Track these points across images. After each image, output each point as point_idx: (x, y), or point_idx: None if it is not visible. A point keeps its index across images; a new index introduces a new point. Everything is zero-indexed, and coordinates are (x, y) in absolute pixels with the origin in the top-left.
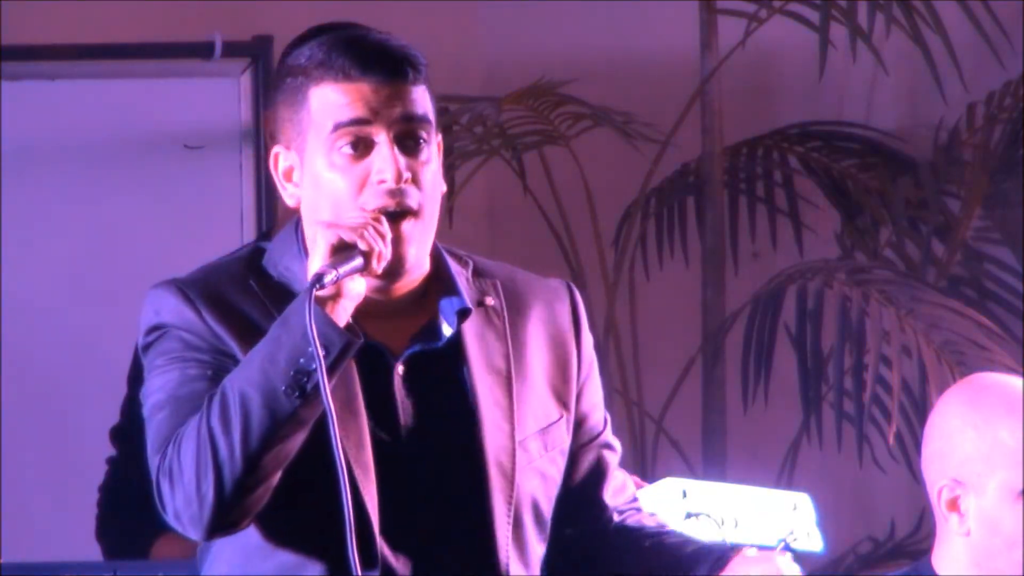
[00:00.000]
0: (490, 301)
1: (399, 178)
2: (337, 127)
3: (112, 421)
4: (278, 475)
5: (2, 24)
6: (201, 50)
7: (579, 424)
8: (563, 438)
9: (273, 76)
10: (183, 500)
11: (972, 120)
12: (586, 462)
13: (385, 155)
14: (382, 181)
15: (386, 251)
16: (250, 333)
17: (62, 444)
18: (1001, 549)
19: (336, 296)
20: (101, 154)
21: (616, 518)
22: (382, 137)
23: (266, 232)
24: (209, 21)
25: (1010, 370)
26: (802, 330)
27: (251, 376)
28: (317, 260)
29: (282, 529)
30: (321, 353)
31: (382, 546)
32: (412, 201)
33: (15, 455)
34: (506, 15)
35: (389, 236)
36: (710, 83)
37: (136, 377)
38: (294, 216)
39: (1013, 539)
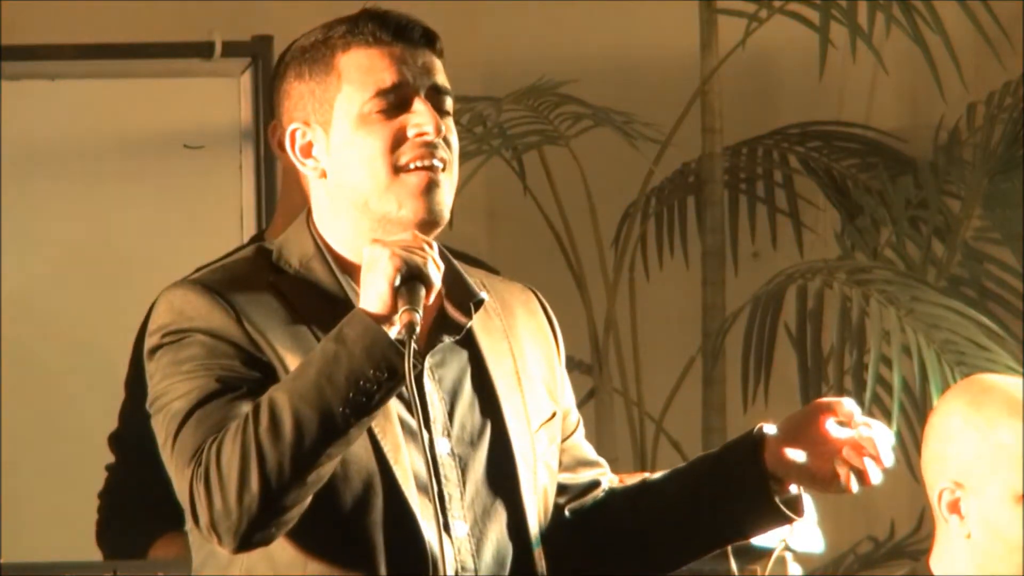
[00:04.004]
0: (485, 296)
1: (439, 130)
2: (379, 92)
3: (112, 420)
4: (311, 495)
5: (2, 24)
6: (201, 50)
7: (565, 416)
8: (558, 432)
9: (276, 73)
10: (222, 510)
11: (972, 120)
12: (575, 451)
13: (423, 110)
14: (421, 134)
15: (438, 283)
16: (286, 335)
17: (62, 444)
18: (1002, 552)
19: (391, 322)
20: (101, 154)
21: (607, 491)
22: (418, 97)
23: (259, 234)
24: (209, 21)
25: (1010, 370)
26: (802, 330)
27: (305, 392)
28: (383, 287)
29: (321, 541)
30: (383, 376)
31: (430, 547)
32: (445, 155)
33: (15, 455)
34: (506, 15)
35: (442, 267)
36: (710, 83)
37: (135, 382)
38: (296, 214)
39: (1014, 542)
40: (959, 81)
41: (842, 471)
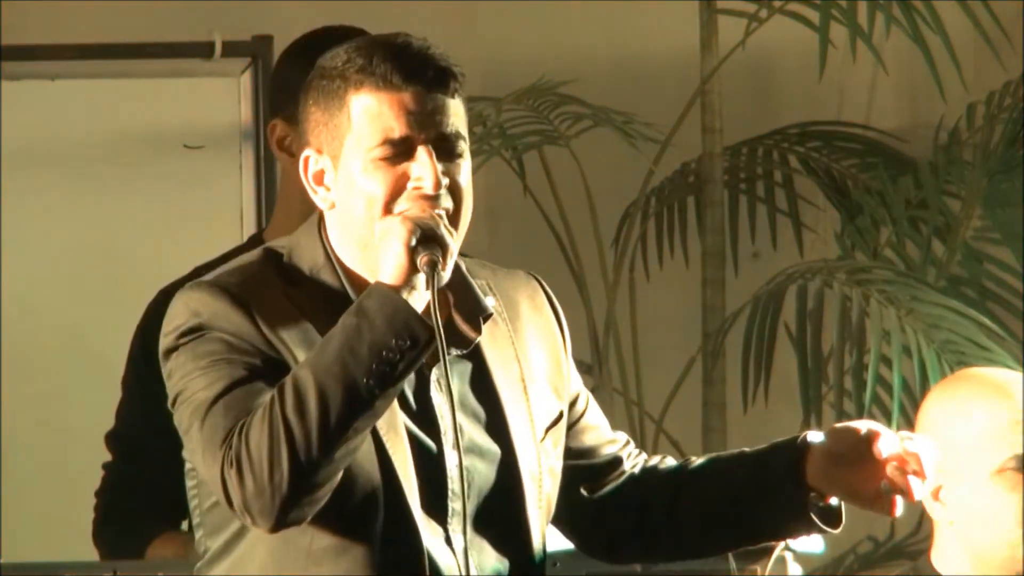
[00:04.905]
0: (491, 303)
1: (437, 186)
2: (385, 141)
3: (112, 420)
4: (341, 471)
5: (2, 24)
6: (201, 50)
7: (573, 403)
8: (563, 432)
9: (276, 72)
10: (254, 490)
11: (972, 120)
12: (588, 434)
13: (424, 162)
14: (418, 187)
15: (454, 246)
16: (303, 341)
17: (62, 444)
18: (983, 532)
19: (410, 288)
20: (101, 154)
21: (635, 468)
22: (422, 145)
23: (257, 234)
24: (209, 21)
25: (1010, 370)
26: (802, 330)
27: (328, 366)
28: (399, 249)
29: (324, 548)
30: (406, 345)
31: (428, 556)
32: (447, 204)
33: (15, 455)
34: (506, 15)
35: (455, 233)
36: (710, 83)
37: (132, 380)
38: (295, 214)
39: (991, 520)
40: (959, 81)
41: (886, 493)
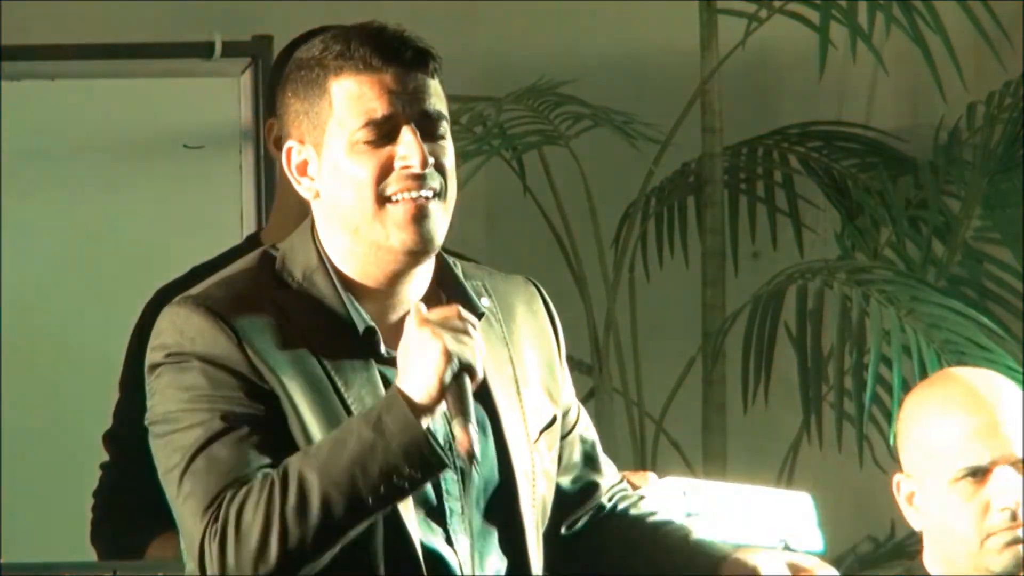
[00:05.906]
0: (487, 304)
1: (424, 164)
2: (368, 123)
3: (110, 421)
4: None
5: (2, 24)
6: (201, 50)
7: (565, 414)
8: (558, 436)
9: (274, 71)
10: (234, 572)
11: (972, 120)
12: (577, 449)
13: (410, 141)
14: (406, 167)
15: (482, 373)
16: (288, 361)
17: (62, 444)
18: (947, 540)
19: (432, 413)
20: (101, 154)
21: (608, 503)
22: (406, 126)
23: (255, 234)
24: (209, 21)
25: (1010, 370)
26: (802, 330)
27: (337, 478)
28: (433, 379)
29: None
30: (418, 476)
31: (429, 557)
32: (435, 183)
33: (15, 455)
34: (506, 15)
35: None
36: (710, 83)
37: (130, 381)
38: (291, 214)
39: (951, 529)
40: (959, 81)
41: None
